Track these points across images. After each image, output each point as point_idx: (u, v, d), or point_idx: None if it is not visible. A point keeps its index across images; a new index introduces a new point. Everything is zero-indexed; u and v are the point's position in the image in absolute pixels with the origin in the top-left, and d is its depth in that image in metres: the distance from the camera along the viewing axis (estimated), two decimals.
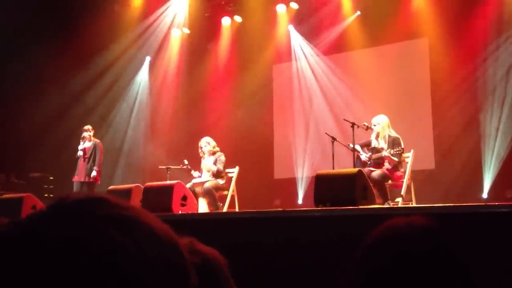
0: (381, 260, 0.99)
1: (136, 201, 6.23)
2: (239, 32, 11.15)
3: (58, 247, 0.55)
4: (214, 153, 7.56)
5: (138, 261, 0.57)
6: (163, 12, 11.25)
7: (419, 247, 0.98)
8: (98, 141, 8.80)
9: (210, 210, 7.04)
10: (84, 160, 8.55)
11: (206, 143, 7.60)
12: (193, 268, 0.64)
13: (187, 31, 11.39)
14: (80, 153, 8.55)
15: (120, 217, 0.60)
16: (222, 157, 7.51)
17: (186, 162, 7.73)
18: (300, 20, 10.65)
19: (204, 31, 11.29)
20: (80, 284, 0.53)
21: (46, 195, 9.41)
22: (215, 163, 7.45)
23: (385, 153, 6.47)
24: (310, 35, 10.54)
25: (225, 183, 7.43)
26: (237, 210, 7.11)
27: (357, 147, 6.81)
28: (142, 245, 0.58)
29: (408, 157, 6.72)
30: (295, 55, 10.81)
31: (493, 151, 8.30)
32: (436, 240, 1.00)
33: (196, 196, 7.07)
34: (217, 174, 7.39)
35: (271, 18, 10.80)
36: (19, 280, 0.53)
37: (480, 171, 8.33)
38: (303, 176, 10.08)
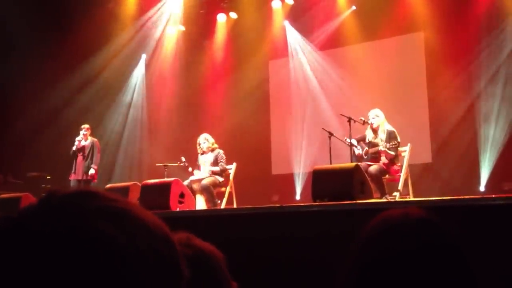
0: (377, 252, 0.99)
1: (133, 199, 6.22)
2: (234, 29, 11.13)
3: (49, 240, 0.55)
4: (213, 150, 7.56)
5: (129, 253, 0.57)
6: (158, 10, 11.22)
7: (414, 239, 0.98)
8: (95, 139, 8.83)
9: (207, 207, 7.04)
10: (82, 159, 8.57)
11: (205, 140, 7.60)
12: (185, 261, 0.64)
13: (182, 28, 11.37)
14: (75, 147, 8.54)
15: (110, 209, 0.60)
16: (222, 154, 7.52)
17: (183, 159, 7.74)
18: (295, 16, 10.64)
19: (199, 28, 11.27)
20: (71, 276, 0.53)
21: (43, 194, 9.38)
22: (215, 161, 7.43)
23: (381, 147, 6.49)
24: (306, 31, 10.53)
25: (223, 179, 7.44)
26: (235, 206, 7.11)
27: (354, 142, 6.83)
28: (133, 237, 0.58)
29: (405, 151, 6.74)
30: (291, 51, 10.80)
31: (490, 144, 8.31)
32: (432, 231, 1.01)
33: (194, 193, 7.07)
34: (220, 172, 7.39)
35: (267, 14, 10.78)
36: (10, 273, 0.53)
37: (477, 164, 8.35)
38: (300, 172, 10.09)
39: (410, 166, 6.76)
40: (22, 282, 0.53)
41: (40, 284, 0.53)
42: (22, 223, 0.57)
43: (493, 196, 4.19)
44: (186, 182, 7.05)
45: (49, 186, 9.89)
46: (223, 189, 7.37)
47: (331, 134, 7.03)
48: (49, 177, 10.08)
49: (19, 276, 0.53)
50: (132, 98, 11.83)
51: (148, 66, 11.88)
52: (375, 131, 6.76)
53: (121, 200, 0.62)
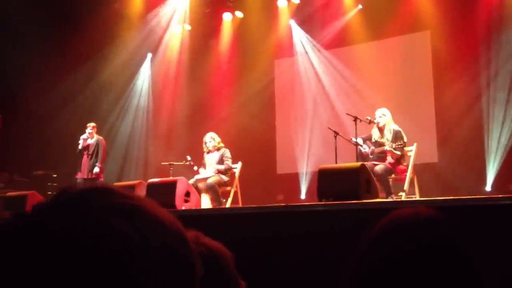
0: (385, 251, 0.99)
1: None
2: (240, 28, 11.13)
3: (61, 237, 0.55)
4: (218, 149, 7.56)
5: (143, 251, 0.57)
6: (163, 9, 11.24)
7: (422, 238, 0.98)
8: (101, 137, 8.86)
9: (213, 205, 7.05)
10: (87, 157, 8.60)
11: (211, 139, 7.61)
12: (199, 258, 0.64)
13: (188, 27, 11.38)
14: (80, 145, 8.58)
15: (124, 206, 0.60)
16: (228, 153, 7.51)
17: (188, 158, 7.75)
18: (301, 15, 10.62)
19: (205, 27, 11.28)
20: (84, 274, 0.54)
21: (49, 192, 9.43)
22: (221, 160, 7.44)
23: (387, 147, 6.47)
24: (312, 30, 10.52)
25: (228, 179, 7.44)
26: (240, 205, 7.12)
27: (360, 141, 6.82)
28: (146, 234, 0.58)
29: (411, 150, 6.71)
30: (296, 50, 10.79)
31: (496, 144, 8.27)
32: (440, 231, 1.00)
33: (199, 192, 7.08)
34: (224, 171, 7.39)
35: (272, 13, 10.77)
36: (22, 270, 0.54)
37: (483, 164, 8.31)
38: (305, 171, 10.08)
39: (416, 165, 6.74)
40: (32, 279, 0.53)
41: (48, 282, 0.53)
42: (33, 221, 0.57)
43: (499, 196, 4.17)
44: (191, 181, 7.05)
45: (55, 184, 9.93)
46: (228, 188, 7.37)
47: (336, 133, 7.02)
48: (55, 175, 10.12)
49: (29, 273, 0.53)
50: (137, 97, 11.86)
51: (153, 65, 11.91)
52: (381, 130, 6.74)
53: (136, 197, 0.62)
